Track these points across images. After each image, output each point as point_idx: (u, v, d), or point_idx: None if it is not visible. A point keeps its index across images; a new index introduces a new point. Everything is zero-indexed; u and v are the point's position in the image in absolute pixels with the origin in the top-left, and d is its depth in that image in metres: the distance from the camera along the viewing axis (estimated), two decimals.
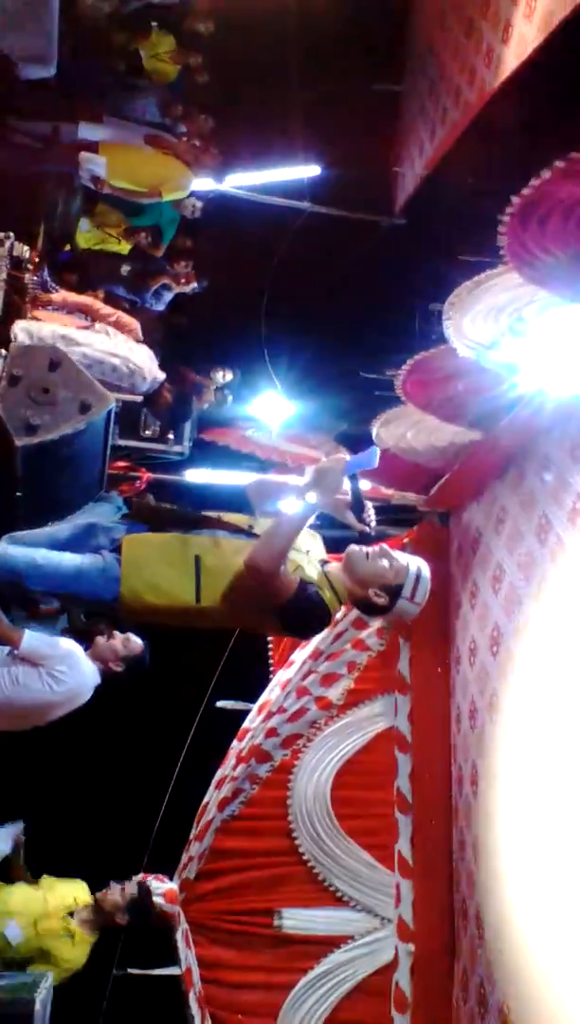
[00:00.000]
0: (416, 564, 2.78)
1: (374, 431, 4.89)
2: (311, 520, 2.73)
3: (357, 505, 2.78)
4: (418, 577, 2.75)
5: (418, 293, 4.63)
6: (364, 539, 2.82)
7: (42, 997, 4.17)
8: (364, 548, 2.79)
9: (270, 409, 6.33)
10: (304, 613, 2.72)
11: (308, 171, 6.42)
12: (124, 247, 6.70)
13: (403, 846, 4.52)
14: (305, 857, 4.44)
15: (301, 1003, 4.23)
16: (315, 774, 4.57)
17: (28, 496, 4.10)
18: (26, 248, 5.28)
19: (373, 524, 2.99)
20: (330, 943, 4.34)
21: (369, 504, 2.86)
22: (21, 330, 4.76)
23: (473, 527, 4.72)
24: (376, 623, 4.83)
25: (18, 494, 4.07)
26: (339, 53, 6.45)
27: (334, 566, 2.84)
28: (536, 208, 3.10)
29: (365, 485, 4.94)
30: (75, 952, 4.27)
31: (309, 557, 2.82)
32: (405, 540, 4.99)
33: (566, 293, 3.25)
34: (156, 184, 6.13)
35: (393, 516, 5.50)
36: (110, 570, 2.85)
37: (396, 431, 4.89)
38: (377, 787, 4.60)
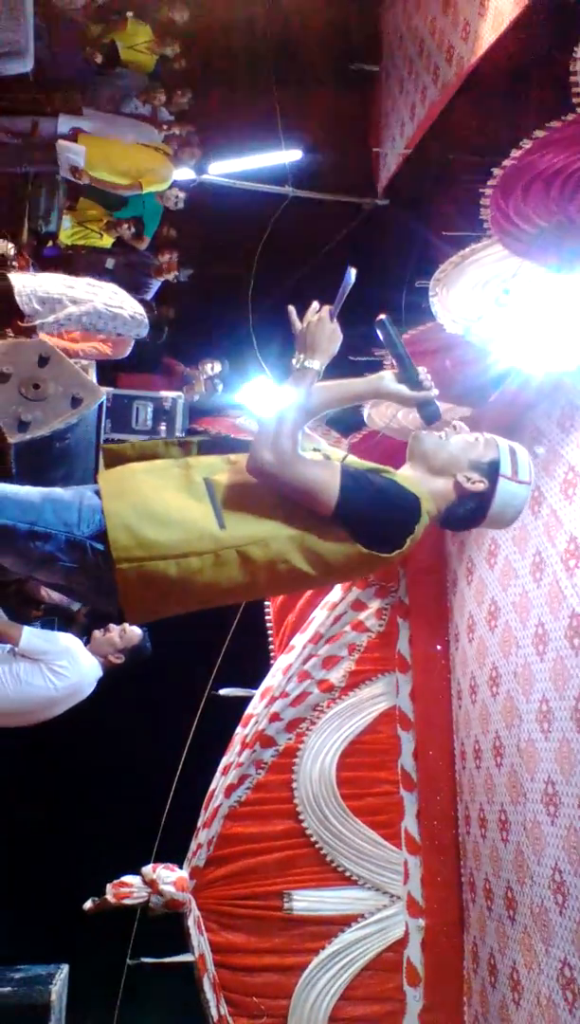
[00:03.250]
0: (503, 439, 2.17)
1: (365, 413, 4.89)
2: (311, 390, 2.08)
3: (405, 368, 2.15)
4: (512, 450, 2.13)
5: (404, 272, 4.63)
6: (427, 418, 2.18)
7: (57, 988, 4.21)
8: (433, 432, 2.17)
9: (261, 396, 6.33)
10: (371, 502, 2.01)
11: (289, 156, 6.40)
12: (107, 240, 6.69)
13: (409, 823, 4.54)
14: (312, 839, 4.46)
15: (314, 982, 4.26)
16: (320, 756, 4.58)
17: None
18: (11, 245, 5.26)
19: (432, 386, 2.18)
20: (340, 922, 4.36)
21: (421, 369, 2.18)
22: (23, 286, 4.44)
23: None
24: (375, 604, 4.84)
25: None
26: (315, 35, 6.44)
27: (403, 469, 2.18)
28: (518, 179, 3.11)
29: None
30: None
31: (360, 461, 2.15)
32: None
33: (550, 263, 3.25)
34: (137, 176, 6.12)
35: None
36: (89, 499, 2.07)
37: (387, 411, 4.88)
38: (381, 767, 4.61)
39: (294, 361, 2.09)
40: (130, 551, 1.97)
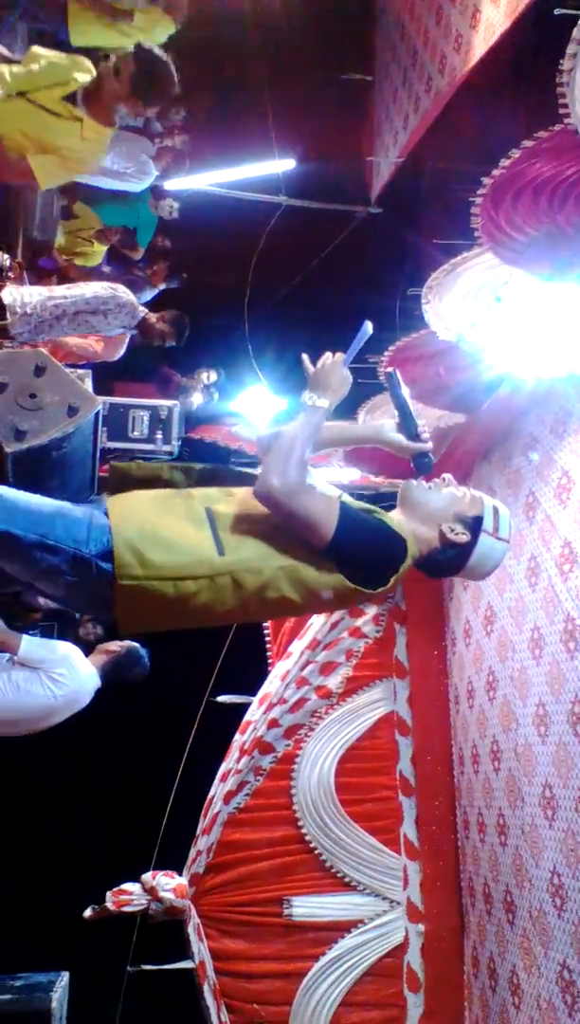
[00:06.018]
0: (488, 498, 2.31)
1: (359, 419, 4.92)
2: (320, 426, 2.19)
3: (406, 420, 2.28)
4: (496, 509, 2.26)
5: (398, 279, 4.67)
6: (420, 468, 2.31)
7: (58, 996, 4.22)
8: (423, 481, 2.30)
9: (257, 404, 6.36)
10: (363, 539, 2.16)
11: (283, 165, 6.43)
12: (98, 248, 6.70)
13: (408, 828, 4.56)
14: (311, 845, 4.47)
15: (315, 989, 4.27)
16: (318, 762, 4.60)
17: None
18: (6, 256, 5.27)
19: (429, 439, 2.32)
20: (340, 928, 4.38)
21: (418, 417, 2.30)
22: (7, 294, 4.51)
23: None
24: (372, 610, 4.86)
25: None
26: (309, 44, 6.47)
27: (393, 513, 2.31)
28: (507, 189, 3.14)
29: (353, 473, 4.90)
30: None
31: (354, 502, 2.28)
32: None
33: (540, 271, 3.28)
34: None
35: (383, 505, 5.52)
36: (98, 519, 2.16)
37: (381, 418, 4.92)
38: (380, 772, 4.63)
39: (306, 398, 2.22)
40: (132, 569, 2.09)
